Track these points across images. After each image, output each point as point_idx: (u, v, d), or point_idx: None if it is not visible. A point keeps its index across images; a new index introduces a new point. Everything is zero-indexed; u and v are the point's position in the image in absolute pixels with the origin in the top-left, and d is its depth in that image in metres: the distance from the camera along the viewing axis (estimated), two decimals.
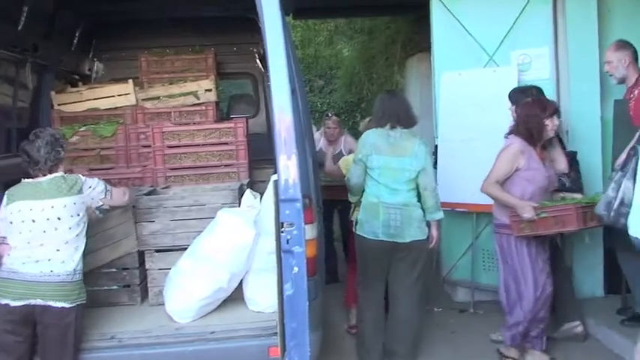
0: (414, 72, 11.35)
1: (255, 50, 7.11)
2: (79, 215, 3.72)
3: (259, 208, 4.03)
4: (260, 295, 4.09)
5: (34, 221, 3.61)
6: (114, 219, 4.23)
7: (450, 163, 6.02)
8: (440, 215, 4.78)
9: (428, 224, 4.75)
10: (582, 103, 5.77)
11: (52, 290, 3.55)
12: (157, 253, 4.38)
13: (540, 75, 5.87)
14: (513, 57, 5.92)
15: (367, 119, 6.37)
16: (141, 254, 4.42)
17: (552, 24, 5.85)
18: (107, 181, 5.11)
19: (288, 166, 3.36)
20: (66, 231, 3.65)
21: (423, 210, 4.72)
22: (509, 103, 5.30)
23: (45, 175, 3.75)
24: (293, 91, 3.61)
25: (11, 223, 3.65)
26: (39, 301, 3.54)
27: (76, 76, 6.70)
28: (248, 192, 4.13)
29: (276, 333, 3.70)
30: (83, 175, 5.09)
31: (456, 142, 6.08)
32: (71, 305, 3.59)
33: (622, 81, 5.10)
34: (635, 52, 5.04)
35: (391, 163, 4.67)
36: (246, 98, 7.55)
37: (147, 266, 4.37)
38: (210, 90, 5.73)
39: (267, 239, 4.02)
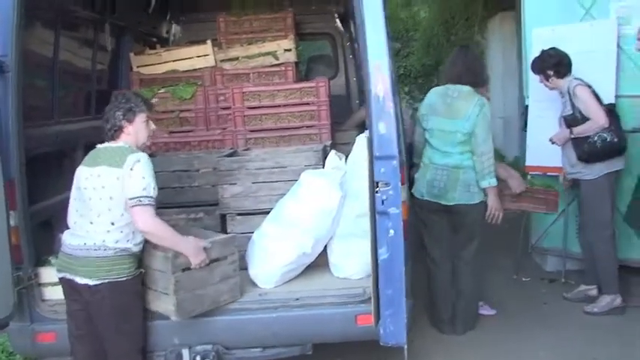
0: (496, 32, 10.99)
1: (334, 10, 6.89)
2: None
3: (345, 169, 3.83)
4: (346, 261, 3.92)
5: (85, 188, 3.36)
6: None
7: (541, 124, 5.65)
8: (488, 182, 4.54)
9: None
10: None
11: (79, 265, 3.31)
12: (238, 217, 4.24)
13: None
14: (612, 9, 5.45)
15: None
16: (222, 217, 4.31)
17: None
18: (187, 143, 5.12)
19: (383, 123, 3.13)
20: (104, 202, 3.31)
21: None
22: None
23: (109, 142, 3.47)
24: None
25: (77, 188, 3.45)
26: (68, 275, 3.37)
27: (154, 39, 6.64)
28: (333, 153, 3.94)
29: (363, 300, 3.57)
30: (163, 138, 5.08)
31: (548, 103, 5.71)
32: (97, 283, 3.28)
33: None
34: None
35: (444, 125, 4.58)
36: (325, 60, 7.35)
37: (229, 230, 4.23)
38: (289, 50, 5.56)
39: (354, 202, 3.86)
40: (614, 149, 4.85)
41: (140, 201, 3.25)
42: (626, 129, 5.26)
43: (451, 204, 4.57)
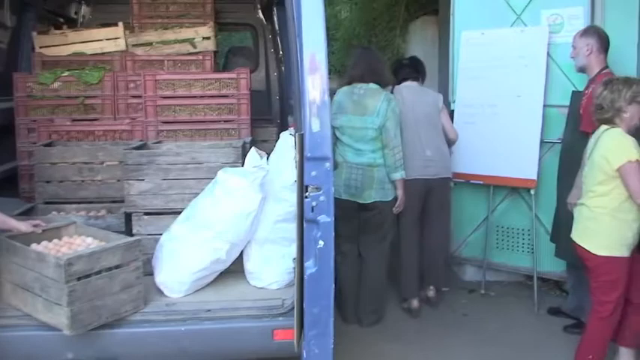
0: (417, 36, 10.93)
1: (257, 0, 6.54)
2: None
3: (266, 169, 3.49)
4: (263, 269, 3.57)
5: None
6: None
7: (467, 130, 5.51)
8: (398, 175, 4.68)
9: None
10: (619, 72, 5.26)
11: None
12: (146, 217, 3.83)
13: None
14: (544, 16, 5.34)
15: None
16: (128, 216, 3.88)
17: None
18: (91, 133, 4.67)
19: (317, 119, 2.80)
20: None
21: None
22: None
23: None
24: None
25: None
26: None
27: (61, 20, 6.11)
28: (253, 150, 3.57)
29: (282, 313, 3.25)
30: (65, 126, 4.62)
31: (475, 108, 5.58)
32: None
33: (582, 70, 4.78)
34: (602, 40, 4.66)
35: (354, 122, 4.66)
36: (245, 52, 7.00)
37: (134, 231, 3.82)
38: (208, 38, 5.15)
39: (274, 205, 3.54)
40: None
41: None
42: (551, 139, 5.19)
43: (368, 202, 4.68)
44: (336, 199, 4.19)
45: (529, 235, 5.51)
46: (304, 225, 2.82)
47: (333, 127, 4.54)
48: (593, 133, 3.94)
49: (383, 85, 4.81)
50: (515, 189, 5.47)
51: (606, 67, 4.66)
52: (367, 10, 12.80)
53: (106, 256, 3.13)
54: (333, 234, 2.85)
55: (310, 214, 2.80)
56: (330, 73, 7.98)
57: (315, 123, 2.78)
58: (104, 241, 3.35)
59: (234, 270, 3.67)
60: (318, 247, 2.79)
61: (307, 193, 2.81)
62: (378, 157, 4.65)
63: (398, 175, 4.65)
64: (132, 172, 3.83)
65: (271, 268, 3.54)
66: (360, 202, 4.67)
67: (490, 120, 5.46)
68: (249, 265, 3.63)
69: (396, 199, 4.73)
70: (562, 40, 5.17)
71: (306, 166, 2.81)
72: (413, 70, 5.23)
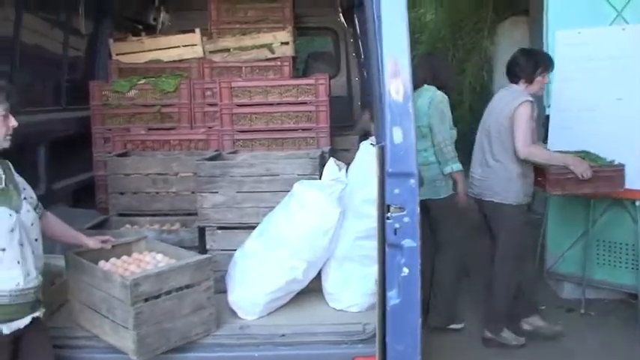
0: (506, 38, 10.51)
1: (337, 3, 6.32)
2: None
3: (345, 182, 3.23)
4: (343, 290, 3.30)
5: None
6: None
7: (563, 136, 5.11)
8: (450, 168, 4.64)
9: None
10: None
11: None
12: (219, 231, 3.64)
13: None
14: None
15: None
16: (201, 231, 3.70)
17: None
18: (167, 142, 4.54)
19: (399, 129, 2.50)
20: None
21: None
22: None
23: None
24: None
25: None
26: None
27: (140, 27, 6.06)
28: (331, 161, 3.32)
29: (363, 340, 2.98)
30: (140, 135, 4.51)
31: (572, 113, 5.16)
32: None
33: None
34: None
35: None
36: (326, 57, 6.80)
37: (207, 246, 3.64)
38: (287, 43, 4.97)
39: (354, 221, 3.26)
40: None
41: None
42: None
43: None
44: None
45: (633, 249, 5.08)
46: (386, 249, 2.51)
47: None
48: None
49: (446, 90, 4.79)
50: (618, 200, 5.02)
51: None
52: (453, 11, 12.46)
53: (175, 276, 2.93)
54: (420, 260, 2.54)
55: (393, 237, 2.49)
56: None
57: (397, 134, 2.48)
58: (175, 258, 3.17)
59: (312, 289, 3.42)
60: (402, 274, 2.47)
61: (389, 214, 2.49)
62: (429, 155, 4.66)
63: (449, 169, 4.63)
64: (205, 185, 3.64)
65: (351, 289, 3.27)
66: None
67: (588, 125, 5.03)
68: (327, 285, 3.37)
69: (452, 196, 4.75)
70: None
71: (388, 182, 2.51)
72: (509, 70, 4.61)
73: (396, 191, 2.49)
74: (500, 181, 4.39)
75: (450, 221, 4.78)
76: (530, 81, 4.41)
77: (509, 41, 10.36)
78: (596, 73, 5.05)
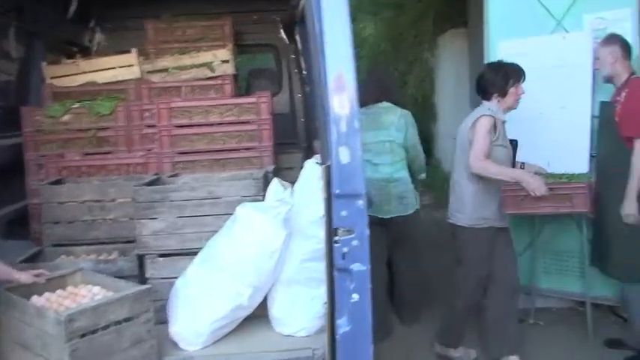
0: (447, 49, 10.66)
1: (278, 19, 6.23)
2: None
3: (291, 202, 3.13)
4: (290, 315, 3.20)
5: None
6: None
7: None
8: (424, 175, 5.30)
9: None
10: None
11: None
12: (160, 258, 3.49)
13: None
14: (587, 21, 4.97)
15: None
16: (141, 259, 3.54)
17: None
18: (104, 167, 4.37)
19: (346, 149, 2.38)
20: None
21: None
22: None
23: None
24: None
25: None
26: None
27: (74, 48, 5.85)
28: (275, 181, 3.23)
29: None
30: (75, 161, 4.33)
31: (515, 122, 5.16)
32: None
33: (609, 80, 4.56)
34: (625, 47, 4.45)
35: (371, 137, 4.74)
36: (267, 74, 6.69)
37: (147, 274, 3.49)
38: (227, 61, 4.83)
39: (301, 242, 3.18)
40: None
41: None
42: None
43: (387, 217, 4.78)
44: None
45: (580, 257, 5.11)
46: (335, 274, 2.39)
47: None
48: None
49: (395, 103, 4.96)
50: None
51: (633, 72, 4.44)
52: (392, 25, 12.55)
53: (113, 309, 2.79)
54: (370, 285, 2.41)
55: (341, 261, 2.36)
56: None
57: (343, 154, 2.35)
58: (112, 289, 3.02)
59: (258, 314, 3.31)
60: (352, 300, 2.35)
61: (337, 237, 2.37)
62: (395, 170, 4.77)
63: (424, 176, 5.22)
64: (144, 210, 3.50)
65: (299, 313, 3.17)
66: (380, 216, 4.72)
67: (534, 135, 5.04)
68: (274, 310, 3.27)
69: (417, 211, 4.91)
70: None
71: (335, 204, 2.38)
72: (479, 87, 4.43)
73: (344, 213, 2.36)
74: (455, 200, 4.29)
75: (415, 236, 5.01)
76: (503, 94, 4.24)
77: (450, 52, 10.54)
78: (540, 82, 5.06)
